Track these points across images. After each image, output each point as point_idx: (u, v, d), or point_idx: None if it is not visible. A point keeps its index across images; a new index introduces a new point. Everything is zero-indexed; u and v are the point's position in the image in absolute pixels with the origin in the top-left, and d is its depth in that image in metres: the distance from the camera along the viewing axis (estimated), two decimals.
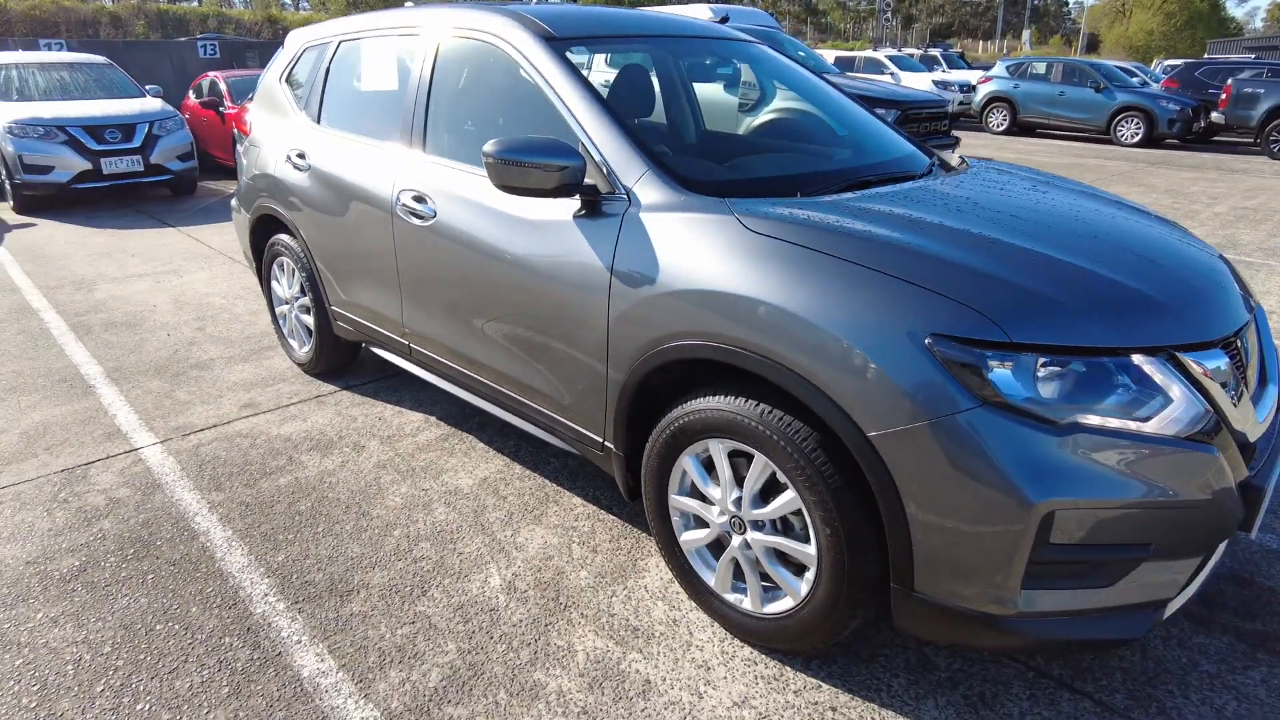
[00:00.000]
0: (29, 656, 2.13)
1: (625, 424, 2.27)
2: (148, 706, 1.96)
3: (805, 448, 1.81)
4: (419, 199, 2.80)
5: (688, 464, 2.13)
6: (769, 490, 1.98)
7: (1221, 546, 1.87)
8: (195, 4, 25.10)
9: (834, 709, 1.94)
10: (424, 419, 3.55)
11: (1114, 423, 1.61)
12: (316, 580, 2.44)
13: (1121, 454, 1.59)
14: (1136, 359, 1.65)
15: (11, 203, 8.42)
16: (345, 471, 3.10)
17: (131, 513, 2.81)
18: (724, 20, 7.96)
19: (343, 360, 3.95)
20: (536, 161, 2.15)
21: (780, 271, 1.83)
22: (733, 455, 2.03)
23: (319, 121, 3.50)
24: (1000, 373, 1.59)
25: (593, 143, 2.29)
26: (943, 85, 17.81)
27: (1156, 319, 1.72)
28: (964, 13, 67.83)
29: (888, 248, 1.81)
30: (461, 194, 2.64)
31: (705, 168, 2.38)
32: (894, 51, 19.96)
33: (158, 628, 2.24)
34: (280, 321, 4.16)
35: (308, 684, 2.03)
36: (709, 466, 2.12)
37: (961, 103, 17.77)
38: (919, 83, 17.68)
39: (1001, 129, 16.77)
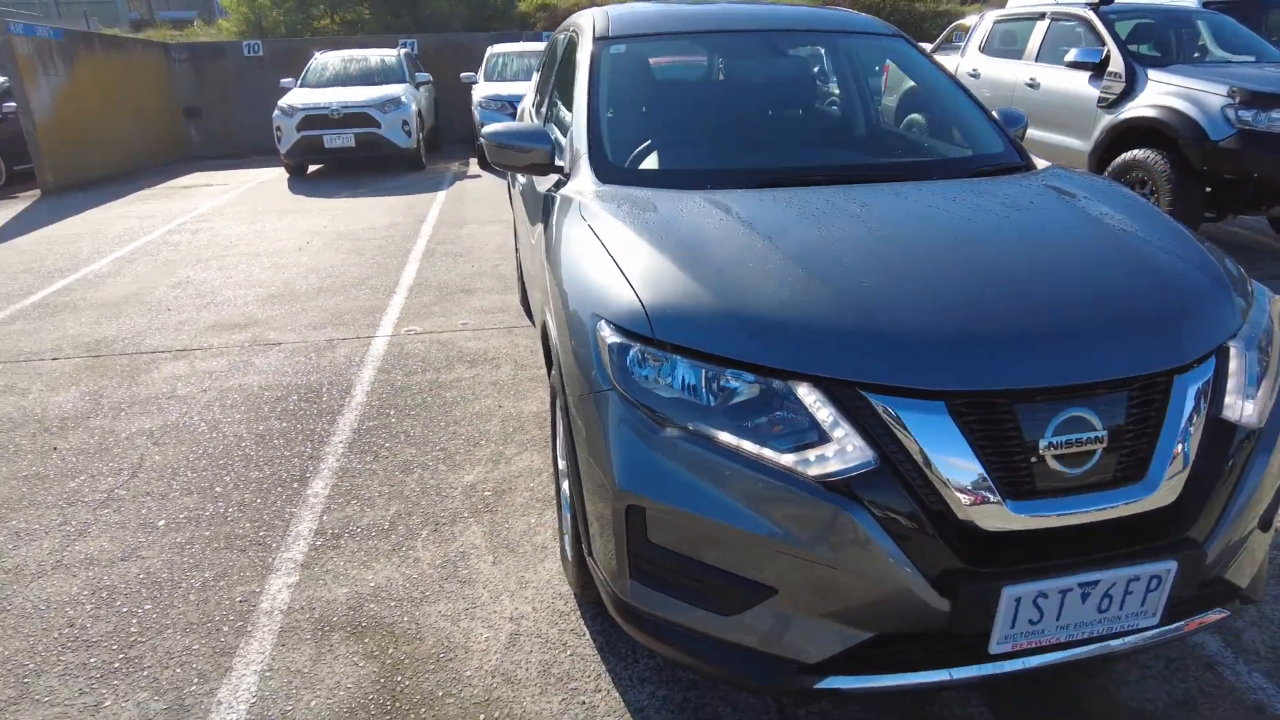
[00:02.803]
0: (214, 436, 3.41)
1: None
2: (231, 476, 3.05)
3: None
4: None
5: None
6: None
7: (967, 671, 1.56)
8: None
9: (571, 653, 2.13)
10: None
11: (746, 445, 1.53)
12: (374, 442, 3.32)
13: (737, 476, 1.52)
14: (801, 387, 1.52)
15: (477, 158, 11.28)
16: (470, 380, 3.94)
17: (332, 374, 4.05)
18: (1106, 1, 6.75)
19: None
20: (512, 145, 2.61)
21: (573, 252, 2.04)
22: None
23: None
24: (632, 363, 1.63)
25: (572, 131, 2.65)
26: None
27: (859, 352, 1.53)
28: None
29: (643, 239, 1.89)
30: None
31: (644, 158, 2.53)
32: None
33: (274, 440, 3.35)
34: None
35: (302, 497, 2.90)
36: None
37: None
38: None
39: None
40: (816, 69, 3.11)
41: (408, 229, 7.40)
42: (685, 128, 2.75)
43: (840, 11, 3.36)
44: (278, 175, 11.00)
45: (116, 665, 2.13)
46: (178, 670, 2.11)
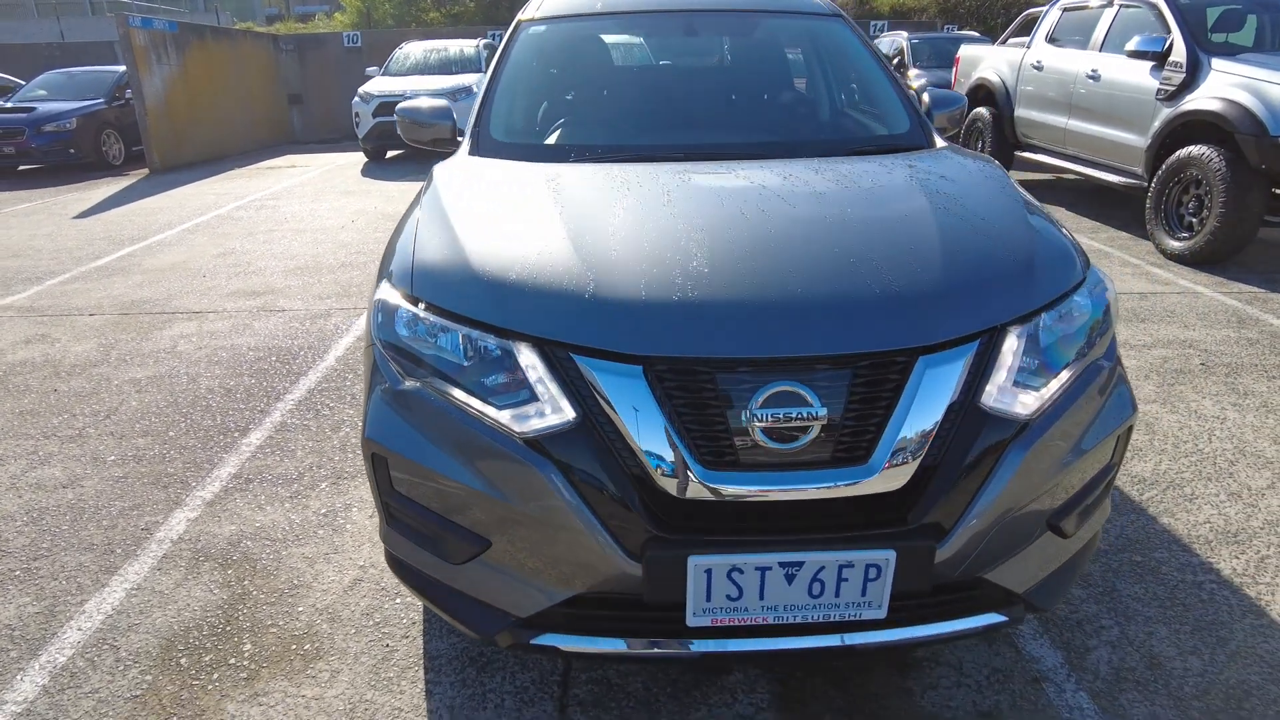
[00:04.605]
0: (190, 388, 3.74)
1: None
2: (187, 423, 3.34)
3: None
4: None
5: None
6: None
7: (672, 646, 1.58)
8: None
9: (400, 602, 2.25)
10: None
11: (473, 402, 1.58)
12: (321, 402, 3.55)
13: (460, 432, 1.58)
14: (522, 348, 1.57)
15: None
16: None
17: (315, 339, 4.33)
18: None
19: None
20: (418, 121, 2.75)
21: (404, 218, 2.14)
22: None
23: None
24: (399, 320, 1.72)
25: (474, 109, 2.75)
26: None
27: (573, 316, 1.55)
28: None
29: (452, 207, 1.97)
30: None
31: (528, 134, 2.59)
32: None
33: (237, 395, 3.63)
34: None
35: (237, 446, 3.15)
36: None
37: None
38: None
39: None
40: (750, 49, 3.06)
41: None
42: (574, 106, 2.79)
43: None
44: (357, 159, 11.67)
45: (18, 573, 2.41)
46: (63, 582, 2.37)
